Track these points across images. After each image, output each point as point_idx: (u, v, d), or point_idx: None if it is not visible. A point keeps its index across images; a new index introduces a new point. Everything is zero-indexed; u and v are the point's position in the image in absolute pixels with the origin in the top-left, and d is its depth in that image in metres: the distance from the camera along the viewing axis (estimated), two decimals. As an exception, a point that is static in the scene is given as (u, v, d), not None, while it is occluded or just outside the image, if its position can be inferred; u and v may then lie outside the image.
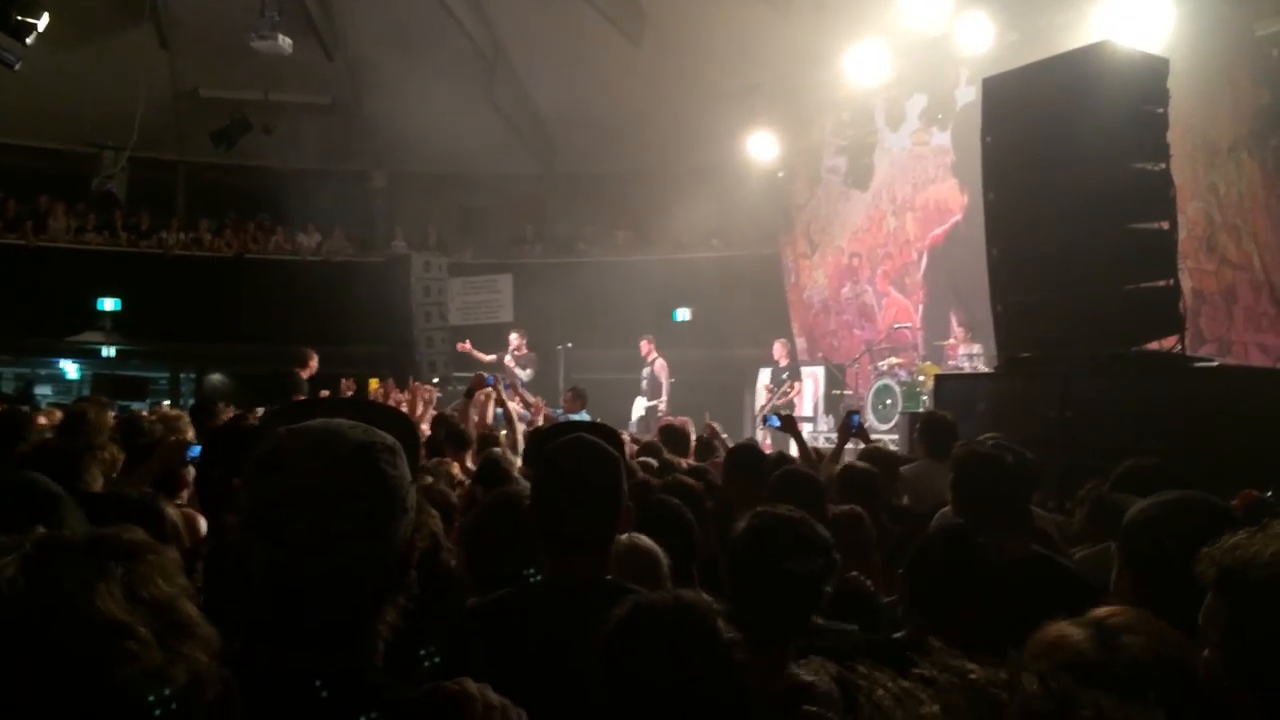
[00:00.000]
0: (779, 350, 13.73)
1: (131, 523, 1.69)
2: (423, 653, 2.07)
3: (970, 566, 2.44)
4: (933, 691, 0.71)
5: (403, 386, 9.42)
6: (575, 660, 2.12)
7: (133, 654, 0.99)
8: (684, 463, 6.01)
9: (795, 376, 13.65)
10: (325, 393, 9.46)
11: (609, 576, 2.31)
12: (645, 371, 13.98)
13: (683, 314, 17.19)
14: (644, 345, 14.07)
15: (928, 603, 2.47)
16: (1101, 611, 1.47)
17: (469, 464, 5.66)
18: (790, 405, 13.11)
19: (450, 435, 6.12)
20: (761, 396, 13.91)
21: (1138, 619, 1.46)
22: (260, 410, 8.59)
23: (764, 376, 14.06)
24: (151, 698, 1.00)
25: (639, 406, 13.77)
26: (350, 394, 9.15)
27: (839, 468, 5.12)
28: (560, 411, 10.41)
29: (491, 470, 4.47)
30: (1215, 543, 1.63)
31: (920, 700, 0.71)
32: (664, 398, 13.62)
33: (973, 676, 0.71)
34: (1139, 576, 2.00)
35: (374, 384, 9.79)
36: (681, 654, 1.62)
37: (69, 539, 1.09)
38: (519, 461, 5.37)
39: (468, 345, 13.19)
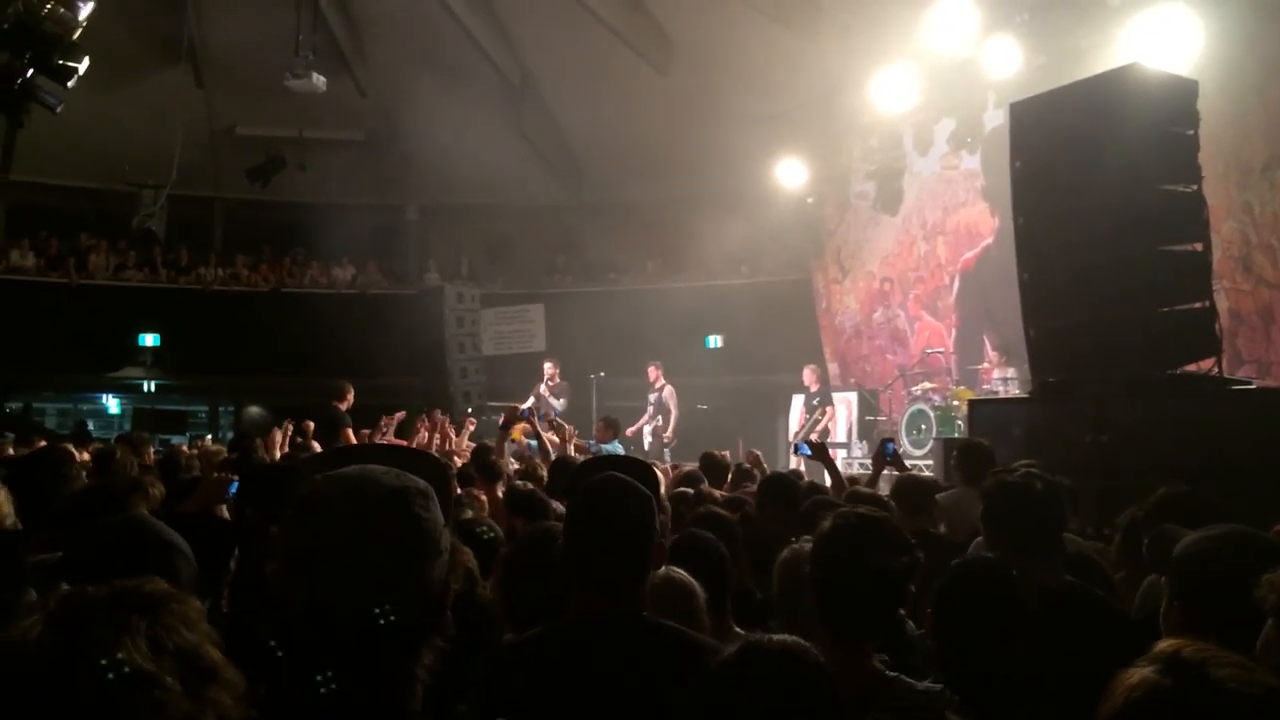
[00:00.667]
0: (809, 376, 13.66)
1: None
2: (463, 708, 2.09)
3: (997, 603, 2.43)
4: None
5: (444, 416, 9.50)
6: (609, 697, 2.14)
7: (160, 703, 1.02)
8: (718, 493, 6.01)
9: (827, 402, 13.58)
10: (366, 432, 9.57)
11: (644, 613, 2.33)
12: (652, 397, 13.78)
13: (714, 341, 17.20)
14: (652, 371, 13.87)
15: (953, 640, 2.47)
16: (1166, 645, 1.44)
17: (499, 495, 5.69)
18: (825, 432, 13.07)
19: (480, 467, 6.16)
20: (795, 423, 13.85)
21: (1207, 648, 1.42)
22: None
23: (797, 403, 14.00)
24: None
25: (645, 433, 13.60)
26: (390, 429, 9.23)
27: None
28: (593, 442, 10.42)
29: (528, 503, 4.49)
30: (1273, 571, 1.65)
31: None
32: (672, 424, 13.44)
33: None
34: (1189, 608, 2.00)
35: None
36: (791, 701, 1.63)
37: (92, 595, 1.12)
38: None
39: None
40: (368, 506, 1.43)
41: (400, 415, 9.49)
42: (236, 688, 1.10)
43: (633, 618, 2.28)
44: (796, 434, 13.31)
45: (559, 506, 4.30)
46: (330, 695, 1.42)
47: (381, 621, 1.40)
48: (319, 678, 1.43)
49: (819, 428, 13.09)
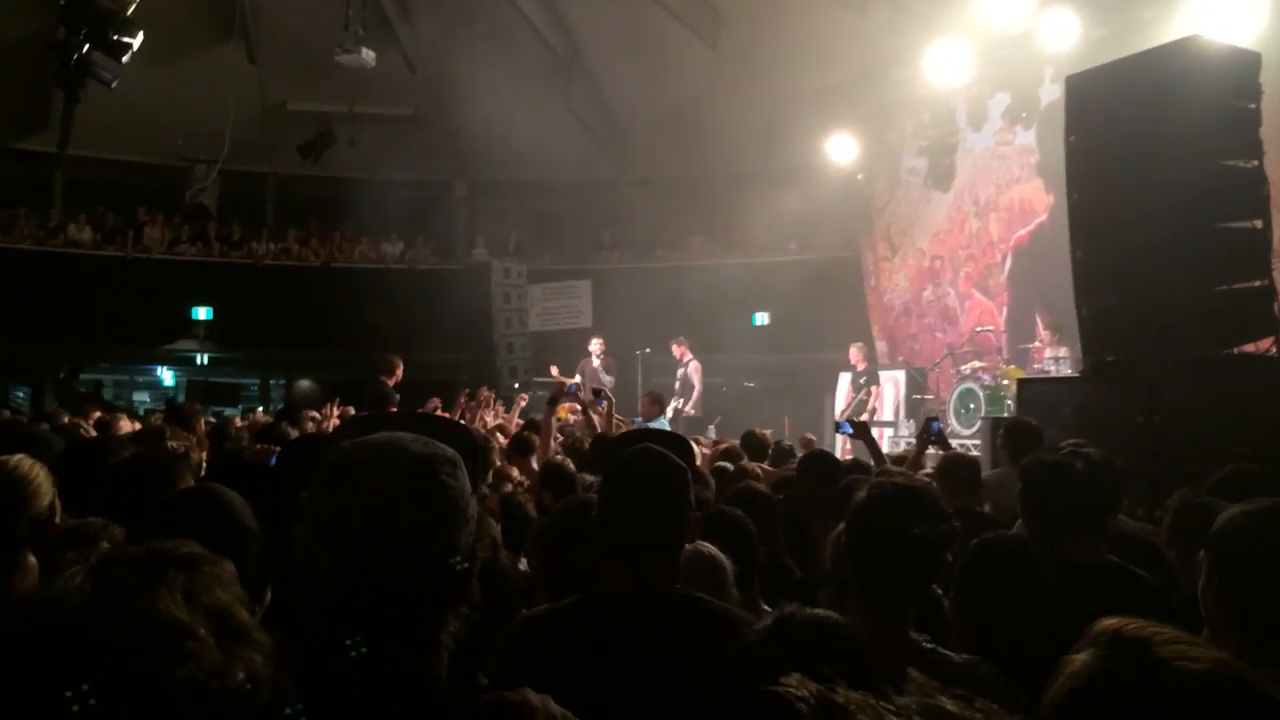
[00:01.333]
0: (855, 354, 13.52)
1: None
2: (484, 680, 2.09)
3: (1017, 581, 2.40)
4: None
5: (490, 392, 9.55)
6: (640, 668, 2.14)
7: (194, 653, 1.05)
8: (762, 469, 5.99)
9: (874, 380, 13.45)
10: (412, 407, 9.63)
11: (676, 585, 2.32)
12: (680, 373, 13.70)
13: (761, 318, 17.12)
14: (676, 349, 13.77)
15: (976, 619, 2.44)
16: (1108, 624, 1.34)
17: (534, 467, 5.73)
18: (872, 411, 12.96)
19: (513, 441, 6.19)
20: (842, 402, 13.75)
21: (1148, 625, 1.33)
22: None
23: (843, 381, 13.89)
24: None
25: (668, 410, 13.47)
26: (435, 410, 9.28)
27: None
28: (639, 419, 10.41)
29: (557, 477, 4.50)
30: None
31: None
32: (694, 400, 13.34)
33: (950, 710, 0.70)
34: (1225, 585, 1.96)
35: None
36: (824, 674, 1.62)
37: (131, 552, 1.15)
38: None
39: (555, 371, 13.07)
40: (394, 473, 1.44)
41: (435, 401, 9.51)
42: (265, 648, 1.12)
43: (664, 589, 2.27)
44: (843, 412, 13.21)
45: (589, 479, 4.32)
46: (359, 660, 1.43)
47: (404, 588, 1.40)
48: (348, 642, 1.44)
49: (866, 407, 12.98)
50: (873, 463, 5.93)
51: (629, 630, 2.17)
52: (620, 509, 2.31)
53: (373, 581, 1.43)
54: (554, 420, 7.39)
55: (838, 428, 8.72)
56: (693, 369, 13.47)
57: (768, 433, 7.77)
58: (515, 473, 5.12)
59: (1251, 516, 1.95)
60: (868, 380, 13.38)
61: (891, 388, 13.77)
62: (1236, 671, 1.25)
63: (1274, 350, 6.64)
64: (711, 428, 13.44)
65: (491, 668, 2.20)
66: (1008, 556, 2.51)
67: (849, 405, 13.28)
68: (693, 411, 13.14)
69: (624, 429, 7.57)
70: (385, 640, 1.44)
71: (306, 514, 1.48)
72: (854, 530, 2.37)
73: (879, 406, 13.34)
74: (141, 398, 20.60)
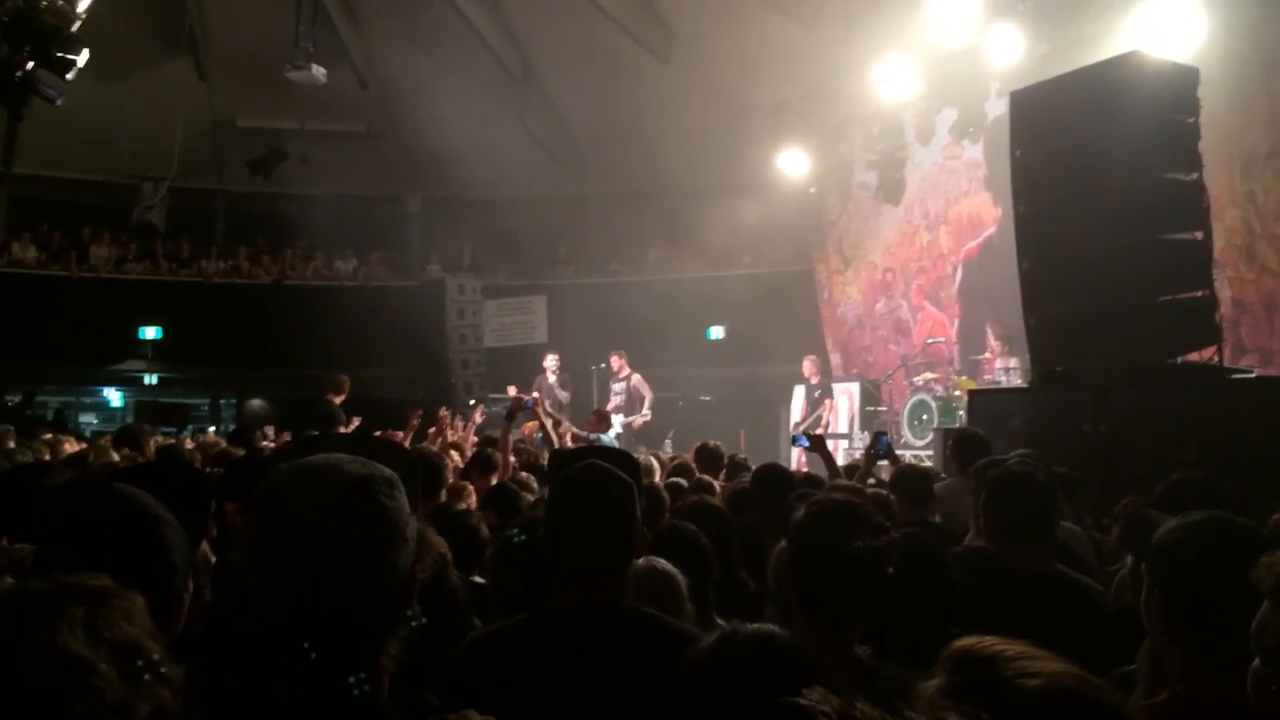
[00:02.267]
0: (809, 367, 13.53)
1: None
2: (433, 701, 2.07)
3: (928, 583, 2.43)
4: None
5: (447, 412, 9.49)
6: (590, 684, 2.13)
7: (95, 689, 1.03)
8: (719, 484, 5.99)
9: (827, 393, 13.51)
10: (356, 420, 9.56)
11: (625, 601, 2.32)
12: (618, 387, 13.26)
13: (716, 332, 17.17)
14: (615, 360, 13.29)
15: (891, 623, 2.46)
16: (959, 646, 1.35)
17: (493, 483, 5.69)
18: (826, 424, 13.02)
19: (474, 459, 6.15)
20: (797, 414, 13.79)
21: (997, 644, 1.33)
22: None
23: (798, 394, 13.94)
24: None
25: (615, 424, 12.69)
26: (418, 424, 9.20)
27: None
28: (589, 433, 10.38)
29: (503, 497, 4.48)
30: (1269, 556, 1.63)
31: None
32: (646, 412, 12.89)
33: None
34: (1168, 596, 1.99)
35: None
36: (769, 687, 1.61)
37: (35, 586, 1.14)
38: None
39: (513, 391, 12.70)
40: (331, 495, 1.43)
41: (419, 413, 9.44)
42: (175, 682, 1.11)
43: (613, 605, 2.27)
44: (798, 425, 13.26)
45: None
46: (298, 683, 1.40)
47: (342, 610, 1.39)
48: (284, 665, 1.41)
49: (821, 420, 13.04)
50: (827, 476, 5.96)
51: (577, 646, 2.16)
52: (567, 526, 2.31)
53: (311, 604, 1.41)
54: (510, 436, 7.34)
55: (794, 440, 8.75)
56: (637, 381, 13.19)
57: (718, 444, 7.73)
58: (470, 490, 5.08)
59: (1189, 529, 1.98)
60: (821, 393, 13.43)
61: (845, 400, 13.86)
62: (1074, 684, 1.26)
63: (1216, 359, 6.77)
64: (668, 441, 13.45)
65: (441, 686, 2.18)
66: (915, 558, 2.54)
67: (804, 418, 13.33)
68: (648, 416, 12.92)
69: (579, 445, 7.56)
70: (325, 663, 1.42)
71: (244, 537, 1.46)
72: (794, 547, 2.39)
73: (832, 419, 13.41)
74: (89, 419, 20.23)
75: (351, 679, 1.41)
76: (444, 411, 9.70)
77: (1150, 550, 2.01)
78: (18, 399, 16.89)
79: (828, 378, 14.11)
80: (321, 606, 1.41)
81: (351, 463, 1.47)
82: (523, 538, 2.78)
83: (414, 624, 1.50)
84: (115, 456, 5.84)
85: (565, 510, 2.34)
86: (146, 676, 1.08)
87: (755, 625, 1.71)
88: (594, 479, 2.33)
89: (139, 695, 1.06)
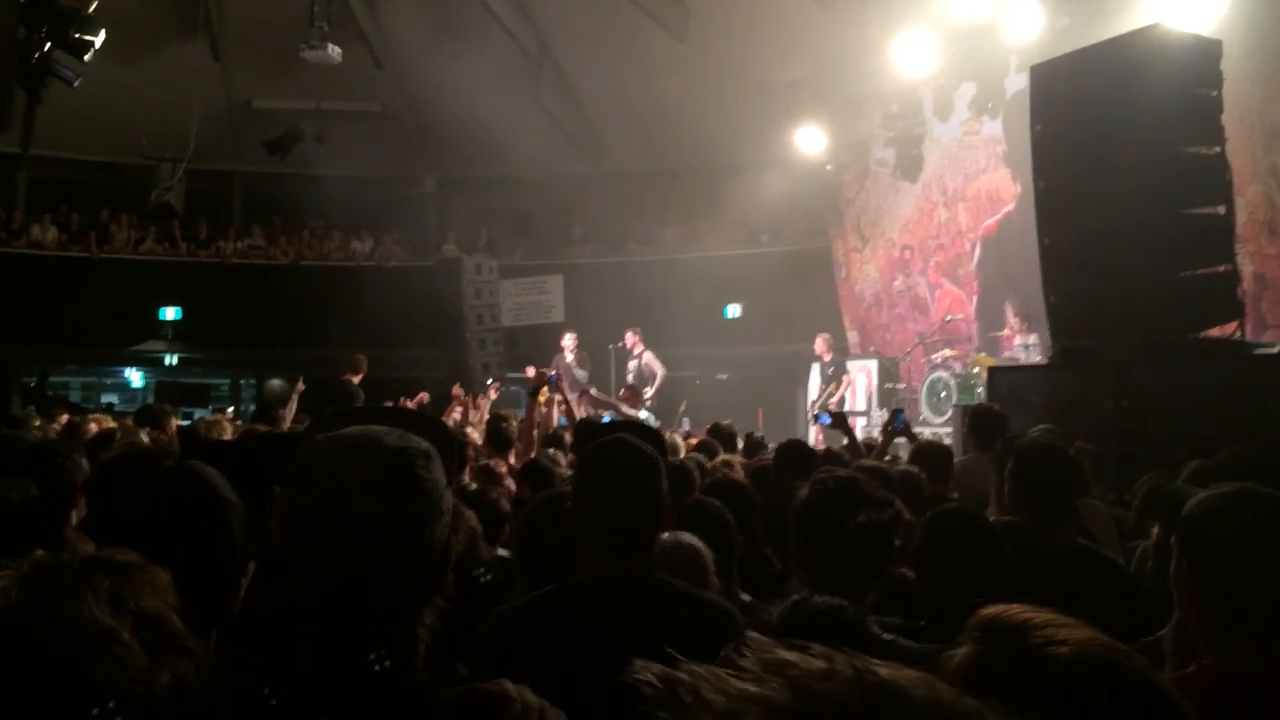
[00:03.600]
0: (821, 345, 13.47)
1: None
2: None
3: (978, 550, 2.44)
4: (749, 678, 0.69)
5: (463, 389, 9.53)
6: (620, 656, 2.14)
7: (117, 657, 1.06)
8: (740, 461, 6.01)
9: (842, 371, 13.48)
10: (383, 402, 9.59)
11: (652, 573, 2.34)
12: (631, 365, 13.29)
13: (733, 310, 17.14)
14: (629, 337, 13.32)
15: (940, 592, 2.47)
16: (986, 614, 1.34)
17: (511, 462, 5.74)
18: (841, 401, 13.01)
19: (491, 436, 6.19)
20: (814, 393, 13.78)
21: (1025, 611, 1.32)
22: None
23: (815, 372, 13.92)
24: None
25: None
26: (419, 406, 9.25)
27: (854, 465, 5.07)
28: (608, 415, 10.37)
29: (536, 472, 4.50)
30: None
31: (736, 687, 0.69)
32: (655, 387, 12.71)
33: (792, 665, 0.70)
34: (1197, 568, 1.99)
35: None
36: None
37: (65, 560, 1.17)
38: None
39: (531, 372, 12.63)
40: (368, 466, 1.44)
41: (423, 396, 9.50)
42: (197, 655, 1.13)
43: (639, 577, 2.28)
44: (814, 403, 13.26)
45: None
46: (334, 652, 1.42)
47: (378, 580, 1.40)
48: (320, 635, 1.43)
49: (834, 398, 13.03)
50: (848, 454, 5.96)
51: (605, 618, 2.18)
52: (594, 498, 2.33)
53: (347, 573, 1.42)
54: (535, 412, 7.33)
55: (815, 418, 8.76)
56: (649, 358, 13.21)
57: (730, 423, 7.74)
58: (502, 467, 5.12)
59: (1219, 499, 1.98)
60: (836, 370, 13.41)
61: (864, 377, 13.84)
62: (1103, 651, 1.25)
63: (1238, 334, 6.73)
64: (686, 419, 13.45)
65: (470, 658, 2.20)
66: (965, 527, 2.55)
67: (820, 397, 13.33)
68: (650, 392, 12.84)
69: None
70: (361, 633, 1.44)
71: (280, 507, 1.48)
72: (801, 526, 2.41)
73: (849, 396, 13.40)
74: (110, 399, 20.40)
75: (372, 655, 1.43)
76: (458, 389, 9.73)
77: (1179, 522, 2.01)
78: (34, 380, 17.05)
79: (843, 355, 14.07)
80: (357, 577, 1.42)
81: (389, 434, 1.48)
82: (489, 577, 2.81)
83: (449, 595, 1.52)
84: (144, 438, 5.90)
85: (593, 482, 2.35)
86: (168, 647, 1.10)
87: (821, 598, 1.73)
88: (621, 452, 2.35)
89: (160, 665, 1.08)
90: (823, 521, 2.34)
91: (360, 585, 1.42)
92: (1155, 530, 2.96)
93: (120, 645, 1.06)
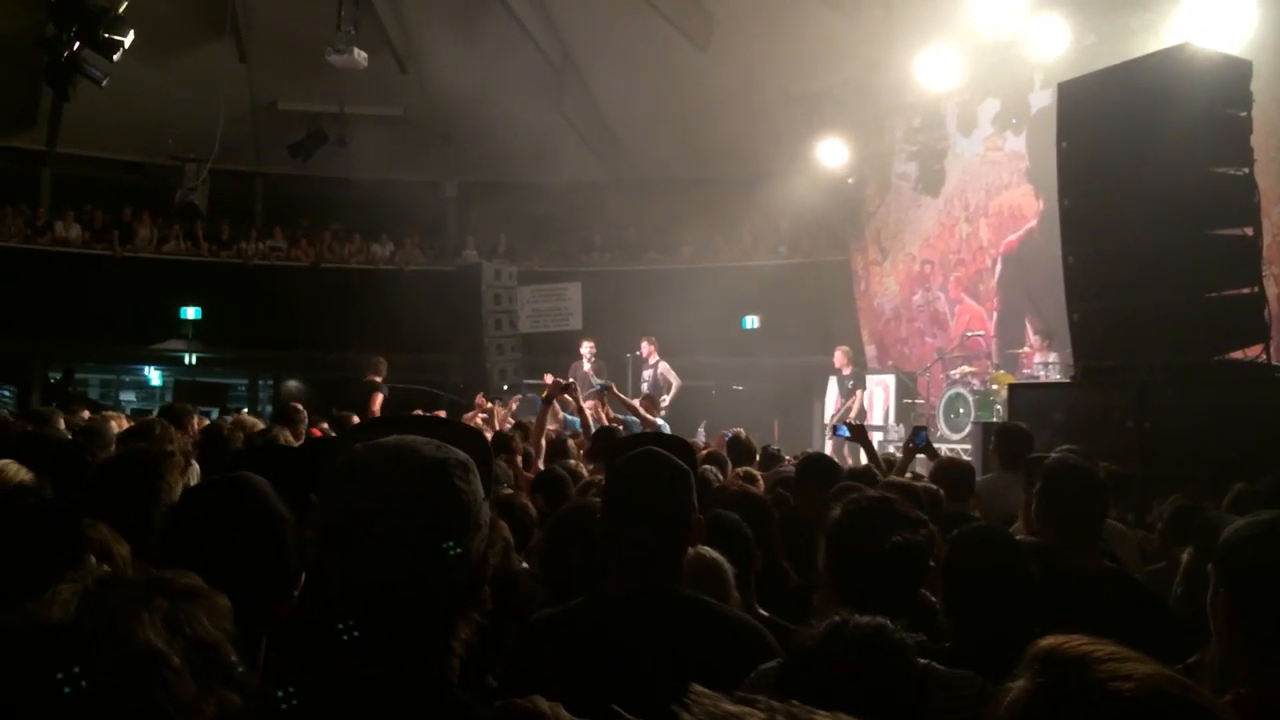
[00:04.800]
0: (840, 359, 13.44)
1: None
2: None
3: (1004, 570, 2.42)
4: None
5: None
6: (648, 669, 2.14)
7: (165, 682, 1.05)
8: (761, 475, 5.98)
9: (860, 384, 13.44)
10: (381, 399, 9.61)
11: (679, 587, 2.33)
12: (646, 374, 13.33)
13: (752, 321, 17.12)
14: (645, 346, 13.37)
15: (965, 611, 2.45)
16: (1045, 644, 1.29)
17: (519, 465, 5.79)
18: (861, 414, 12.98)
19: (494, 440, 6.22)
20: (831, 406, 13.74)
21: (1085, 643, 1.27)
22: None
23: (832, 386, 13.89)
24: None
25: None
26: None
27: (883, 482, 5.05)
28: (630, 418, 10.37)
29: (551, 482, 4.50)
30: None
31: None
32: (666, 399, 12.66)
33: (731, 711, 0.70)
34: (1235, 595, 1.98)
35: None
36: (880, 679, 1.62)
37: (128, 577, 1.18)
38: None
39: (549, 379, 12.71)
40: (406, 475, 1.43)
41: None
42: (248, 690, 1.13)
43: (669, 590, 2.28)
44: (833, 416, 13.23)
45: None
46: (371, 666, 1.42)
47: (414, 591, 1.40)
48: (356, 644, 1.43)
49: (852, 413, 13.00)
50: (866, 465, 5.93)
51: (635, 632, 2.17)
52: (624, 510, 2.32)
53: (383, 584, 1.42)
54: (546, 421, 7.36)
55: (834, 431, 8.73)
56: (664, 369, 13.24)
57: (740, 432, 7.71)
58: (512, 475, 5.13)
59: (1260, 527, 1.96)
60: (854, 384, 13.37)
61: (881, 392, 13.79)
62: (1170, 687, 1.21)
63: (1263, 357, 6.68)
64: (701, 430, 13.43)
65: (500, 670, 2.20)
66: (991, 546, 2.53)
67: (838, 409, 13.29)
68: (666, 401, 12.85)
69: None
70: (397, 646, 1.43)
71: (317, 517, 1.47)
72: (833, 546, 2.40)
73: (869, 410, 13.37)
74: (128, 397, 20.52)
75: (407, 668, 1.42)
76: (481, 400, 9.74)
77: (1219, 550, 1.99)
78: (58, 376, 17.16)
79: (860, 369, 14.03)
80: (393, 587, 1.42)
81: (427, 444, 1.47)
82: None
83: (485, 609, 1.51)
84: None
85: (623, 494, 2.35)
86: (219, 678, 1.10)
87: (865, 617, 1.72)
88: (651, 465, 2.34)
89: (207, 695, 1.08)
90: (856, 541, 2.33)
91: (396, 596, 1.42)
92: (1185, 555, 2.93)
93: (170, 670, 1.06)
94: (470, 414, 9.15)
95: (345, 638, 1.41)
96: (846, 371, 13.46)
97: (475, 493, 1.47)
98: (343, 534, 1.43)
